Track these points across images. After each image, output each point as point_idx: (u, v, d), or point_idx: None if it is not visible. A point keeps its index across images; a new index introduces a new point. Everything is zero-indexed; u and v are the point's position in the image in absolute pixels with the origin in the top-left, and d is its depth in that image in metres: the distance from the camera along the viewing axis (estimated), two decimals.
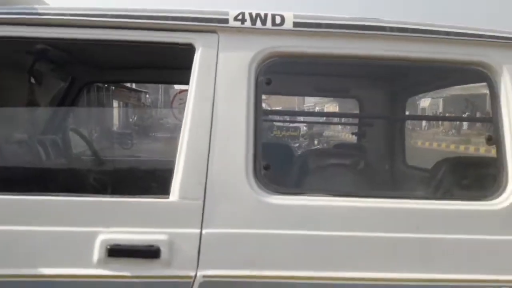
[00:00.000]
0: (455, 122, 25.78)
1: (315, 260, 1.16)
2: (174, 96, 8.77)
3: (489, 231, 1.21)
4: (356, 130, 2.43)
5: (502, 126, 1.26)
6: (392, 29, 1.28)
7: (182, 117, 4.67)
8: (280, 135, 8.85)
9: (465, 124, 26.60)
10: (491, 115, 1.30)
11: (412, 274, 1.17)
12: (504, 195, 1.23)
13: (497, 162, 1.27)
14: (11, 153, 1.74)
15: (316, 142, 8.65)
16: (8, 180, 1.26)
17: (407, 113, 2.54)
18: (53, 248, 1.11)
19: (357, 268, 1.16)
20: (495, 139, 1.28)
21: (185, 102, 3.89)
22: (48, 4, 1.49)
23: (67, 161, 2.02)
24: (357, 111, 2.49)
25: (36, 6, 1.27)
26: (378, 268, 1.17)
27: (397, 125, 2.12)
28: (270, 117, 2.15)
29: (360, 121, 2.55)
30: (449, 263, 1.19)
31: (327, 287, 1.15)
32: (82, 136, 2.21)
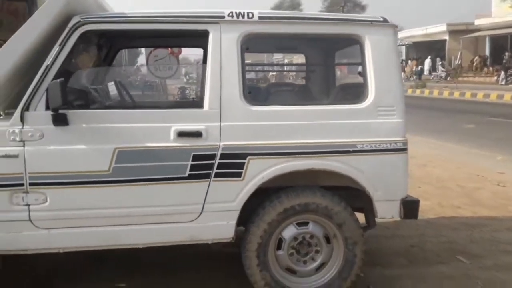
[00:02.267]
0: (417, 69, 27.96)
1: (276, 134, 2.41)
2: (149, 54, 9.41)
3: (357, 118, 2.49)
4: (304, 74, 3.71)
5: (365, 65, 2.51)
6: (309, 18, 2.48)
7: (159, 73, 6.34)
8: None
9: (426, 70, 28.77)
10: (360, 61, 2.55)
11: (321, 140, 2.44)
12: (366, 101, 2.50)
13: (364, 85, 2.54)
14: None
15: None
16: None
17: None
18: (150, 135, 2.31)
19: (298, 138, 2.42)
20: (362, 73, 2.53)
21: (160, 58, 5.68)
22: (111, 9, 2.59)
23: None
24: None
25: (120, 12, 2.38)
26: (314, 136, 2.43)
27: (327, 69, 3.36)
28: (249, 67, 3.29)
29: (307, 67, 3.79)
30: (341, 135, 2.47)
31: (286, 147, 2.39)
32: (121, 86, 3.32)
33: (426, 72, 29.57)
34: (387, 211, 2.59)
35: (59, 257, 3.25)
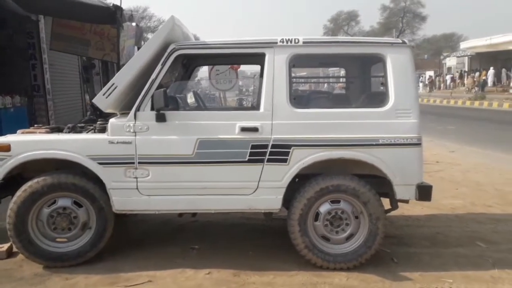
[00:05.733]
0: (480, 81, 27.25)
1: (314, 130, 3.15)
2: (212, 68, 10.39)
3: (379, 119, 3.17)
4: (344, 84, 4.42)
5: (386, 77, 3.20)
6: (343, 42, 3.23)
7: (220, 86, 7.73)
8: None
9: (489, 82, 27.89)
10: (383, 74, 3.24)
11: (349, 135, 3.15)
12: (387, 105, 3.18)
13: (385, 93, 3.22)
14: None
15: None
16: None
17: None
18: (221, 129, 3.14)
19: (331, 133, 3.14)
20: (384, 83, 3.22)
21: (221, 72, 7.10)
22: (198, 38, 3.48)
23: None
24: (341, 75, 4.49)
25: (206, 40, 3.26)
26: (344, 132, 3.14)
27: (357, 79, 4.06)
28: (294, 79, 3.97)
29: (346, 79, 4.50)
30: (366, 132, 3.16)
31: (322, 140, 3.13)
32: (197, 95, 4.24)
33: (490, 84, 28.58)
34: (404, 193, 3.22)
35: (151, 226, 4.25)
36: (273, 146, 3.14)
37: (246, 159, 3.15)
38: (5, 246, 3.56)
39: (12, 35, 8.80)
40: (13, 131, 3.61)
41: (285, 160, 3.15)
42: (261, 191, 3.19)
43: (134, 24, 10.35)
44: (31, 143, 3.22)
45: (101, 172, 3.16)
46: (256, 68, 4.15)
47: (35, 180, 3.19)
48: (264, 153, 3.15)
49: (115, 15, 6.67)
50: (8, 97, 7.81)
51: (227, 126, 3.16)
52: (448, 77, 35.85)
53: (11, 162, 3.17)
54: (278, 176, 3.17)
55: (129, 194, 3.19)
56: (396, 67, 3.18)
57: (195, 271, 3.25)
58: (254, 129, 3.14)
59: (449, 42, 47.61)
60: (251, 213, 4.17)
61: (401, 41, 3.23)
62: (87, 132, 3.47)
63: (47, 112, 9.39)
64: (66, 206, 3.25)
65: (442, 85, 35.97)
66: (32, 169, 3.33)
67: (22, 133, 3.46)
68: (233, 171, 3.16)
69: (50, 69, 9.65)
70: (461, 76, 34.52)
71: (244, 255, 3.52)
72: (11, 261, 3.47)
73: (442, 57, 46.28)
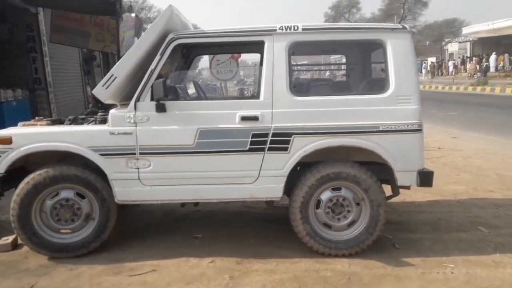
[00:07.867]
0: (482, 66, 27.07)
1: (314, 118, 3.13)
2: (212, 58, 10.30)
3: (379, 105, 3.16)
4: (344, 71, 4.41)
5: (387, 63, 3.18)
6: (343, 28, 3.20)
7: (221, 76, 7.74)
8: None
9: (492, 67, 27.70)
10: (383, 60, 3.22)
11: (349, 123, 3.14)
12: (387, 92, 3.17)
13: (385, 79, 3.21)
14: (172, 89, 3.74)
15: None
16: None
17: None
18: (222, 118, 3.15)
19: (332, 121, 3.13)
20: (384, 70, 3.20)
21: (222, 62, 7.07)
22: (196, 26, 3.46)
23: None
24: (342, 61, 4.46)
25: (205, 29, 3.24)
26: (344, 120, 3.13)
27: (358, 66, 4.04)
28: (294, 67, 3.92)
29: (347, 66, 4.48)
30: (366, 119, 3.15)
31: (322, 128, 3.13)
32: (197, 85, 4.23)
33: (492, 69, 28.37)
34: (405, 179, 3.22)
35: (154, 216, 4.28)
36: (274, 134, 3.14)
37: (247, 148, 3.15)
38: (10, 238, 3.60)
39: (12, 28, 8.78)
40: (15, 124, 3.61)
41: (285, 149, 3.15)
42: (262, 179, 3.19)
43: (133, 15, 10.31)
44: (32, 135, 3.23)
45: (103, 163, 3.18)
46: (257, 57, 4.12)
47: (38, 172, 3.21)
48: (264, 142, 3.15)
49: (114, 6, 6.62)
50: (10, 90, 7.81)
51: (228, 115, 3.15)
52: (450, 63, 35.57)
53: (13, 154, 3.19)
54: (279, 165, 3.17)
55: (131, 184, 3.20)
56: (397, 53, 3.16)
57: (198, 259, 3.27)
58: (254, 118, 3.14)
59: (451, 28, 47.06)
60: (252, 202, 4.20)
61: (401, 26, 3.20)
62: (88, 124, 3.48)
63: (49, 104, 9.40)
64: (69, 198, 3.27)
65: (444, 71, 35.71)
66: (34, 161, 3.35)
67: (23, 125, 3.47)
68: (234, 160, 3.17)
69: (51, 61, 9.63)
70: (463, 62, 34.26)
71: (247, 243, 3.55)
72: (17, 253, 3.50)
73: (443, 43, 45.83)
